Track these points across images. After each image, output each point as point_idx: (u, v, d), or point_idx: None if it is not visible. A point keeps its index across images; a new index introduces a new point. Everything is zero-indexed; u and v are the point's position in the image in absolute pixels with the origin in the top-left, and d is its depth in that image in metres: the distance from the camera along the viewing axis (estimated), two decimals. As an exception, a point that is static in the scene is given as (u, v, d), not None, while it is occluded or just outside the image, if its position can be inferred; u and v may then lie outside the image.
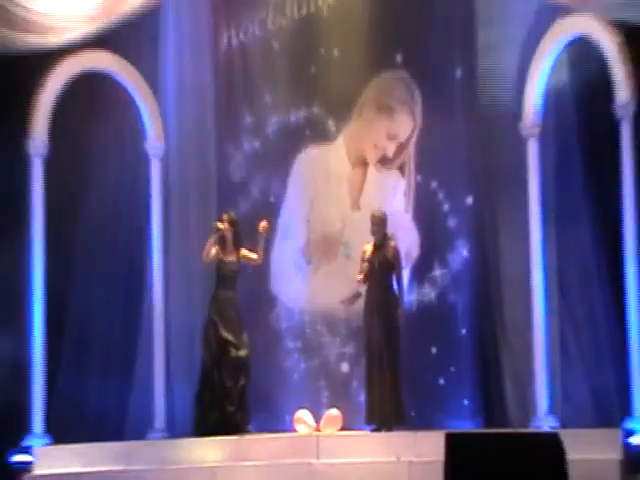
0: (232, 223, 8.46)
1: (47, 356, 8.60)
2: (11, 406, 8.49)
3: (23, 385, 8.51)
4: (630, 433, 7.50)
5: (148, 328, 9.07)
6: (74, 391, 8.70)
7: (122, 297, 9.02)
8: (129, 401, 9.00)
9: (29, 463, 8.32)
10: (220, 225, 8.39)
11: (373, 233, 8.29)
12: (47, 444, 8.50)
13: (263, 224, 8.43)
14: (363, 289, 8.44)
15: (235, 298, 8.50)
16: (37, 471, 8.28)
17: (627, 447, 7.44)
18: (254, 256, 8.50)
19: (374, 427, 8.20)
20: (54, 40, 8.60)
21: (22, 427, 8.51)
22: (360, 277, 8.25)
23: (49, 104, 8.82)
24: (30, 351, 8.56)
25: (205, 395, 8.38)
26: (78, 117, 8.87)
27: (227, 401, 8.35)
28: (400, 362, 8.21)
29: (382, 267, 8.22)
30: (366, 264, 8.21)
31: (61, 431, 8.48)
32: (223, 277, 8.47)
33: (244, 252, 8.52)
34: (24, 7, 8.51)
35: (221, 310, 8.43)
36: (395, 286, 8.30)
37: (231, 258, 8.45)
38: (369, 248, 8.33)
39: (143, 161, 9.30)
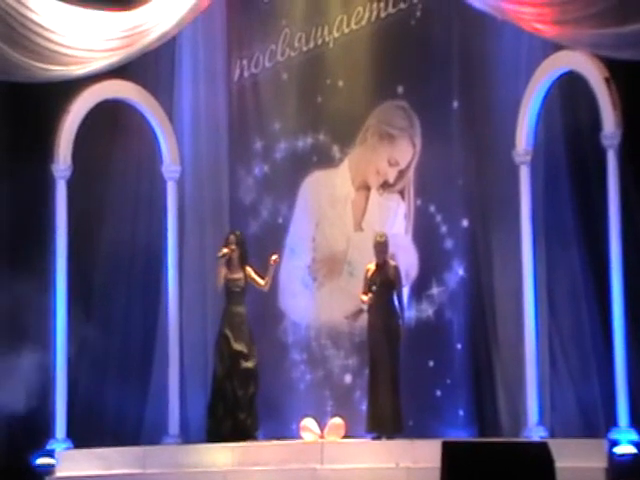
0: (238, 243, 8.78)
1: (70, 366, 8.64)
2: (36, 412, 8.58)
3: (47, 393, 8.58)
4: (615, 443, 7.63)
5: (164, 341, 9.12)
6: (95, 399, 8.78)
7: (139, 312, 9.08)
8: (145, 408, 9.05)
9: (51, 466, 8.40)
10: (225, 250, 8.69)
11: (378, 257, 8.51)
12: (69, 448, 8.57)
13: (274, 257, 8.74)
14: (366, 306, 8.62)
15: (244, 312, 8.78)
16: (59, 474, 8.39)
17: (612, 456, 7.56)
18: (261, 282, 8.76)
19: (375, 435, 8.37)
20: (77, 71, 8.73)
21: (45, 432, 8.56)
22: (365, 299, 8.44)
23: (73, 129, 8.87)
24: (54, 361, 8.60)
25: (219, 406, 8.61)
26: (100, 142, 8.96)
27: (238, 410, 8.60)
28: (400, 374, 8.36)
29: (384, 286, 8.44)
30: (370, 295, 8.41)
31: (82, 436, 8.54)
32: (232, 293, 8.77)
33: (250, 270, 8.79)
34: (47, 39, 8.59)
35: (232, 324, 8.71)
36: (396, 303, 8.50)
37: (238, 275, 8.76)
38: (372, 268, 8.53)
39: (160, 183, 9.36)
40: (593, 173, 8.24)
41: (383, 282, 8.50)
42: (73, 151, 8.91)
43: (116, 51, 8.92)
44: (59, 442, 8.62)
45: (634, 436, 7.78)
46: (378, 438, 8.42)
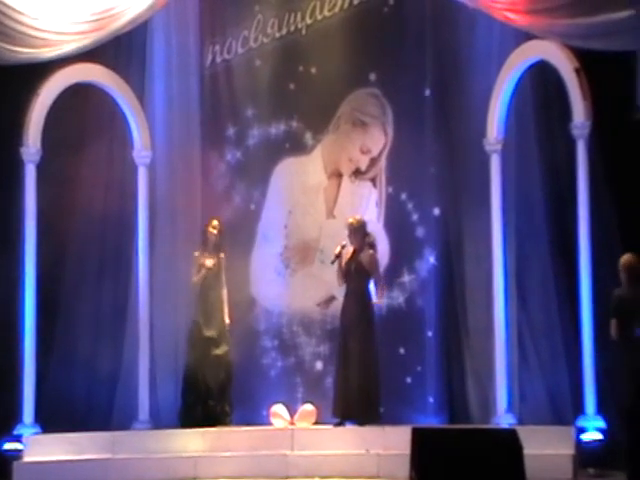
0: (220, 230, 8.92)
1: (38, 351, 8.55)
2: (3, 397, 8.48)
3: (15, 377, 8.49)
4: (582, 430, 7.79)
5: (134, 326, 9.08)
6: (64, 383, 8.72)
7: (110, 297, 9.04)
8: (115, 394, 9.01)
9: (19, 451, 8.29)
10: (213, 230, 8.82)
11: (351, 241, 8.50)
12: (37, 433, 8.45)
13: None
14: (338, 292, 8.71)
15: (217, 297, 8.83)
16: (27, 458, 8.24)
17: (579, 443, 7.71)
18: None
19: (338, 422, 8.34)
20: (47, 54, 8.60)
21: (13, 416, 8.46)
22: (339, 275, 8.43)
23: (43, 113, 8.74)
24: (22, 345, 8.53)
25: (191, 393, 8.65)
26: (70, 126, 8.89)
27: (209, 397, 8.65)
28: (376, 363, 8.36)
29: (357, 272, 8.44)
30: (342, 268, 8.36)
31: (51, 421, 8.44)
32: (204, 278, 8.83)
33: (222, 258, 8.88)
34: (17, 20, 8.43)
35: (204, 310, 8.78)
36: (371, 290, 8.48)
37: (212, 260, 8.86)
38: (349, 250, 8.44)
39: (131, 168, 9.28)
40: (563, 163, 8.33)
41: (357, 268, 8.51)
42: (43, 135, 8.82)
43: (87, 34, 8.81)
44: (27, 427, 8.53)
45: (601, 423, 7.90)
46: (340, 424, 8.41)
